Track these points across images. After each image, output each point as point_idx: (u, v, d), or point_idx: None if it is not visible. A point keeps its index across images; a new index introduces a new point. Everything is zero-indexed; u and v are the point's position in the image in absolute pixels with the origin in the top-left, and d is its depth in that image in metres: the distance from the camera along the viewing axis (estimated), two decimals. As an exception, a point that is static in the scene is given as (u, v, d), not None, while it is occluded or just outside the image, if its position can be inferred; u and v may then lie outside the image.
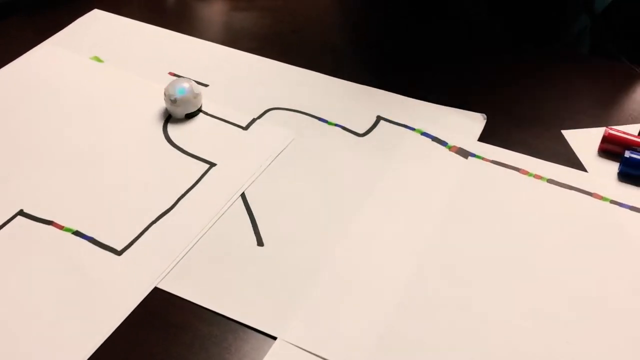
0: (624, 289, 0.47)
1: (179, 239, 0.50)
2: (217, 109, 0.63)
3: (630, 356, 0.43)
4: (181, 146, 0.59)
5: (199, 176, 0.56)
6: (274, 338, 0.44)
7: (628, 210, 0.53)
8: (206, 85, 0.66)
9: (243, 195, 0.54)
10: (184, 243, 0.50)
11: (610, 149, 0.58)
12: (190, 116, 0.61)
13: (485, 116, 0.62)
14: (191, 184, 0.55)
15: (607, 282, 0.47)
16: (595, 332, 0.44)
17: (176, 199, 0.53)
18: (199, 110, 0.62)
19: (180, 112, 0.61)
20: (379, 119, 0.62)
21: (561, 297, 0.46)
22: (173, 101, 0.60)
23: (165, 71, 0.68)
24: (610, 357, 0.42)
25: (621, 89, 0.66)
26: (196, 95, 0.61)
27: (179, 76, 0.67)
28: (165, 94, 0.61)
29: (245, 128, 0.61)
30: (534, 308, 0.45)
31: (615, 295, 0.46)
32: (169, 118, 0.62)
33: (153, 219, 0.52)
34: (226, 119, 0.62)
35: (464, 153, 0.58)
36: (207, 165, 0.57)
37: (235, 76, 0.67)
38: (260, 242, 0.50)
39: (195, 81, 0.66)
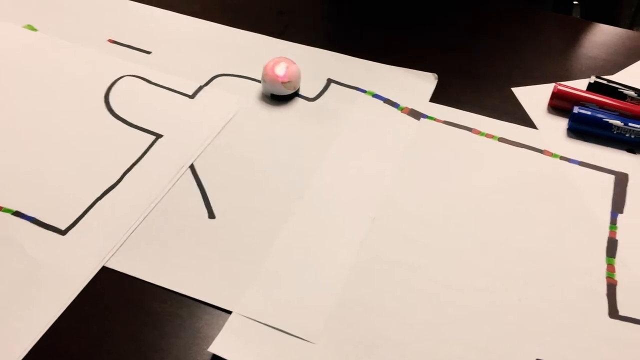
0: (575, 244, 0.47)
1: (126, 215, 0.48)
2: (161, 78, 0.60)
3: (580, 309, 0.43)
4: (125, 118, 0.56)
5: (144, 149, 0.54)
6: (229, 312, 0.43)
7: (577, 166, 0.53)
8: (148, 53, 0.63)
9: (192, 167, 0.52)
10: (131, 219, 0.48)
11: (559, 105, 0.58)
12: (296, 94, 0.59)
13: (436, 76, 0.61)
14: (137, 157, 0.53)
15: (558, 238, 0.48)
16: (547, 288, 0.45)
17: (121, 173, 0.51)
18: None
19: (291, 90, 0.58)
20: (329, 82, 0.60)
21: (513, 254, 0.47)
22: (288, 83, 0.57)
23: (104, 38, 0.65)
24: (562, 311, 0.43)
25: (570, 44, 0.66)
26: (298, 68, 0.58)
27: (119, 43, 0.64)
28: (272, 79, 0.56)
29: (192, 96, 0.59)
30: (487, 266, 0.46)
31: (566, 250, 0.47)
32: (110, 88, 0.59)
33: (98, 195, 0.50)
34: (171, 87, 0.59)
35: (416, 114, 0.57)
36: (153, 137, 0.55)
37: (179, 42, 0.65)
38: (211, 215, 0.49)
39: (137, 48, 0.64)
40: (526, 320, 0.43)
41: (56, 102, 0.57)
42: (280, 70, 0.56)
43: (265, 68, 0.57)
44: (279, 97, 0.58)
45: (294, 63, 0.57)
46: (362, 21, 0.69)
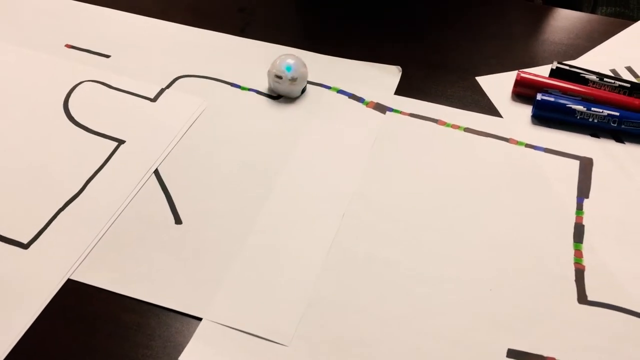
0: (542, 231, 0.48)
1: (90, 225, 0.47)
2: (121, 81, 0.59)
3: (549, 296, 0.44)
4: (85, 124, 0.55)
5: (107, 155, 0.52)
6: (200, 319, 0.42)
7: (542, 153, 0.53)
8: (107, 57, 0.62)
9: (156, 172, 0.51)
10: (95, 229, 0.47)
11: (523, 92, 0.58)
12: (303, 90, 0.58)
13: (400, 68, 0.61)
14: (99, 165, 0.52)
15: (526, 226, 0.48)
16: (517, 276, 0.45)
17: (84, 182, 0.50)
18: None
19: (298, 89, 0.57)
20: (293, 79, 0.60)
21: (483, 244, 0.47)
22: (292, 80, 0.55)
23: (62, 43, 0.63)
24: (531, 299, 0.44)
25: (533, 30, 0.67)
26: (305, 65, 0.57)
27: (77, 48, 0.62)
28: (277, 75, 0.55)
29: (154, 99, 0.58)
30: (458, 258, 0.46)
31: (534, 238, 0.47)
32: (69, 95, 0.57)
33: (60, 206, 0.49)
34: (132, 91, 0.58)
35: (382, 108, 0.57)
36: (115, 143, 0.53)
37: (138, 44, 0.63)
38: (178, 220, 0.48)
39: (95, 52, 0.62)
40: (497, 310, 0.43)
41: (13, 112, 0.56)
42: (289, 69, 0.55)
43: (271, 68, 0.56)
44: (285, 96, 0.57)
45: (300, 59, 0.56)
46: (323, 16, 0.68)
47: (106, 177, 0.51)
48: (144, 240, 0.47)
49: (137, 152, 0.53)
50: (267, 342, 0.41)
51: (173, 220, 0.48)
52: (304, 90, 0.58)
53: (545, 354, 0.41)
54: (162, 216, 0.48)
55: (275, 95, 0.58)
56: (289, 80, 0.55)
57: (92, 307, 0.43)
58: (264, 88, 0.59)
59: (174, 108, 0.57)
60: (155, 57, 0.62)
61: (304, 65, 0.56)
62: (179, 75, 0.60)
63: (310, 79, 0.60)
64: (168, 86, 0.59)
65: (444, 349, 0.41)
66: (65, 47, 0.63)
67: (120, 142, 0.54)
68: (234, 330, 0.42)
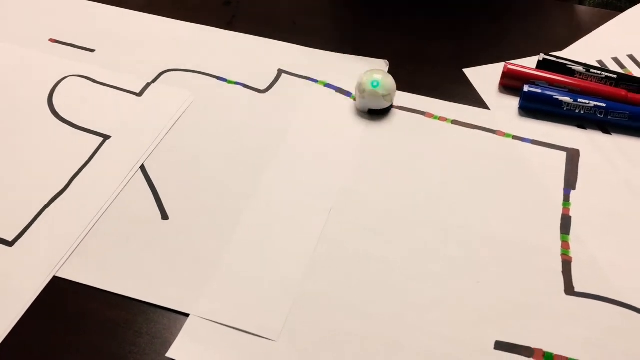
0: (529, 223, 0.48)
1: (76, 221, 0.47)
2: (106, 76, 0.58)
3: (537, 288, 0.44)
4: (70, 120, 0.54)
5: (92, 151, 0.52)
6: (187, 315, 0.42)
7: (529, 144, 0.53)
8: (92, 51, 0.61)
9: (143, 167, 0.51)
10: (81, 225, 0.47)
11: (510, 84, 0.58)
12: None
13: (387, 62, 0.60)
14: (84, 161, 0.51)
15: (513, 218, 0.48)
16: (504, 268, 0.45)
17: (69, 178, 0.50)
18: None
19: (387, 103, 0.55)
20: (280, 72, 0.59)
21: (470, 237, 0.47)
22: (386, 96, 0.54)
23: (45, 38, 0.62)
24: (519, 291, 0.44)
25: (520, 21, 0.67)
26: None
27: (61, 42, 0.62)
28: (370, 91, 0.53)
29: (139, 94, 0.57)
30: (445, 251, 0.46)
31: (522, 230, 0.47)
32: (53, 90, 0.57)
33: (45, 202, 0.48)
34: (118, 85, 0.58)
35: (369, 101, 0.57)
36: (101, 139, 0.53)
37: (123, 38, 0.63)
38: (164, 216, 0.48)
39: (80, 47, 0.61)
40: (485, 302, 0.43)
41: (-3, 108, 0.55)
42: (378, 84, 0.53)
43: (360, 84, 0.54)
44: (373, 111, 0.55)
45: (387, 74, 0.55)
46: (310, 9, 0.68)
47: (92, 173, 0.50)
48: (130, 236, 0.46)
49: (122, 147, 0.52)
50: (255, 337, 0.41)
51: (160, 216, 0.48)
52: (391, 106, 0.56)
53: (532, 346, 0.41)
54: (148, 212, 0.48)
55: (262, 89, 0.58)
56: (384, 96, 0.53)
57: (78, 304, 0.43)
58: (250, 81, 0.58)
59: (160, 102, 0.56)
60: (140, 51, 0.61)
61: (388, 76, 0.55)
62: (165, 69, 0.60)
63: (297, 72, 0.59)
64: (154, 80, 0.58)
65: (431, 343, 0.41)
66: (49, 42, 0.62)
67: (106, 137, 0.53)
68: (222, 326, 0.41)
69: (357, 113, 0.56)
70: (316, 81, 0.59)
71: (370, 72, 0.54)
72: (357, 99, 0.55)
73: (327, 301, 0.43)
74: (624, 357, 0.40)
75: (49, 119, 0.54)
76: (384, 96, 0.54)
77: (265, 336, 0.41)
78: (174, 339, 0.41)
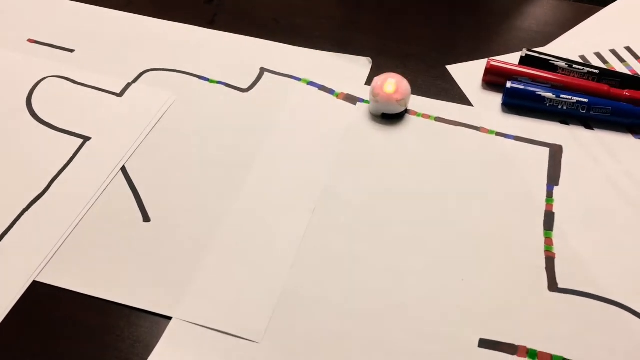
0: (513, 220, 0.48)
1: (56, 225, 0.46)
2: (86, 76, 0.58)
3: (520, 284, 0.44)
4: (49, 121, 0.54)
5: (72, 153, 0.51)
6: (169, 318, 0.42)
7: (513, 141, 0.53)
8: (72, 51, 0.60)
9: (123, 169, 0.50)
10: (61, 229, 0.46)
11: (493, 80, 0.58)
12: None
13: (370, 60, 0.60)
14: (64, 163, 0.50)
15: (496, 215, 0.48)
16: (488, 266, 0.45)
17: (49, 181, 0.49)
18: None
19: (402, 108, 0.54)
20: (262, 71, 0.59)
21: (454, 234, 0.47)
22: (400, 100, 0.53)
23: (24, 38, 0.62)
24: (503, 288, 0.44)
25: (502, 17, 0.67)
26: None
27: (40, 43, 0.61)
28: (386, 95, 0.52)
29: (120, 94, 0.56)
30: (429, 250, 0.46)
31: (505, 227, 0.47)
32: (32, 91, 0.56)
33: (24, 206, 0.47)
34: (98, 86, 0.57)
35: (352, 99, 0.56)
36: (81, 140, 0.52)
37: (103, 38, 0.62)
38: (146, 218, 0.47)
39: (59, 47, 0.61)
40: (469, 300, 0.43)
41: (-26, 110, 0.54)
42: (392, 88, 0.53)
43: (374, 88, 0.53)
44: (387, 115, 0.55)
45: (402, 77, 0.54)
46: (293, 7, 0.67)
47: (72, 175, 0.50)
48: (111, 239, 0.46)
49: (103, 148, 0.52)
50: (238, 339, 0.41)
51: (141, 218, 0.47)
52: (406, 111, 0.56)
53: (516, 343, 0.41)
54: (129, 214, 0.47)
55: (244, 88, 0.57)
56: (398, 102, 0.53)
57: (58, 309, 0.42)
58: (233, 80, 0.58)
59: (141, 103, 0.55)
60: (121, 51, 0.60)
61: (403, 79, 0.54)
62: (146, 69, 0.59)
63: (280, 70, 0.59)
64: (134, 80, 0.58)
65: (416, 341, 0.41)
66: (28, 42, 0.61)
67: (86, 138, 0.52)
68: (204, 329, 0.41)
69: (337, 111, 0.55)
70: (299, 79, 0.58)
71: (384, 76, 0.54)
72: (371, 103, 0.54)
73: (311, 301, 0.43)
74: (607, 352, 0.41)
75: (28, 120, 0.54)
76: (398, 100, 0.53)
77: (248, 338, 0.41)
78: (157, 343, 0.40)
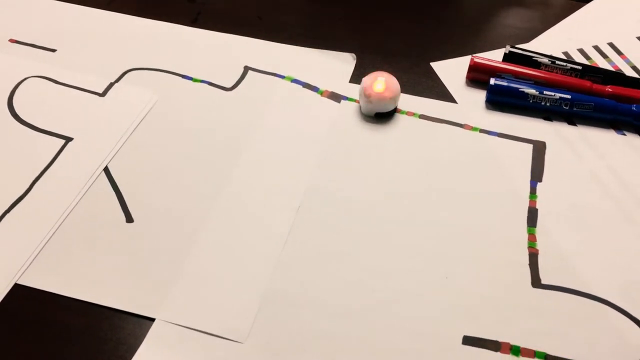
0: (496, 216, 0.48)
1: (37, 227, 0.46)
2: (68, 76, 0.57)
3: (504, 281, 0.44)
4: (31, 122, 0.53)
5: (54, 154, 0.51)
6: (153, 320, 0.41)
7: (496, 138, 0.54)
8: (53, 51, 0.60)
9: (106, 169, 0.50)
10: (43, 231, 0.46)
11: (477, 77, 0.58)
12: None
13: (354, 56, 0.60)
14: (46, 164, 0.50)
15: (480, 212, 0.48)
16: (472, 263, 0.45)
17: (30, 182, 0.49)
18: None
19: (393, 105, 0.54)
20: (246, 69, 0.59)
21: (438, 232, 0.47)
22: (391, 99, 0.53)
23: (5, 38, 0.61)
24: (486, 285, 0.44)
25: (486, 14, 0.67)
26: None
27: (21, 42, 0.60)
28: (376, 94, 0.52)
29: (102, 94, 0.56)
30: (413, 247, 0.46)
31: (489, 224, 0.47)
32: (14, 91, 0.55)
33: (6, 208, 0.47)
34: (80, 86, 0.56)
35: (336, 97, 0.56)
36: (63, 141, 0.52)
37: (85, 37, 0.61)
38: (129, 219, 0.47)
39: (40, 47, 0.60)
40: (453, 297, 0.43)
41: (-46, 111, 0.54)
42: (382, 86, 0.52)
43: (365, 88, 0.53)
44: (380, 114, 0.55)
45: (391, 75, 0.54)
46: (276, 4, 0.67)
47: (53, 176, 0.49)
48: (94, 240, 0.45)
49: (85, 149, 0.51)
50: (223, 340, 0.41)
51: (124, 219, 0.47)
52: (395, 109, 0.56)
53: (500, 339, 0.41)
54: (112, 215, 0.47)
55: (228, 87, 0.57)
56: (390, 99, 0.53)
57: (41, 312, 0.42)
58: (216, 79, 0.58)
59: (124, 102, 0.55)
60: (103, 50, 0.60)
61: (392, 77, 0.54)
62: (129, 68, 0.58)
63: (263, 68, 0.59)
64: (117, 80, 0.57)
65: (400, 339, 0.41)
66: (9, 42, 0.61)
67: (68, 139, 0.52)
68: (188, 330, 0.41)
69: (321, 109, 0.55)
70: (283, 77, 0.58)
71: (374, 75, 0.54)
72: (362, 103, 0.54)
73: (295, 301, 0.43)
74: (590, 348, 0.41)
75: (9, 121, 0.53)
76: (389, 99, 0.53)
77: (232, 338, 0.41)
78: (140, 344, 0.40)
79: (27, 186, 0.48)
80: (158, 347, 0.40)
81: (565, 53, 0.61)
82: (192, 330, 0.41)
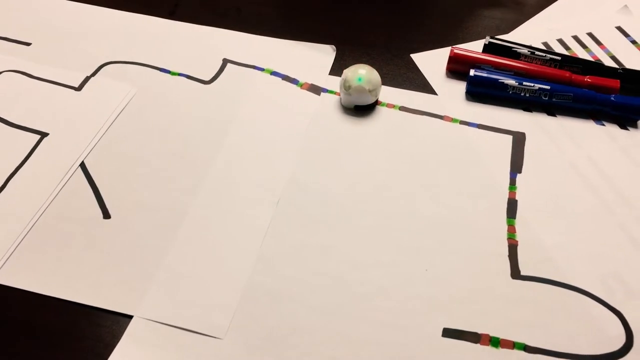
0: (476, 208, 0.48)
1: (12, 224, 0.45)
2: (43, 70, 0.56)
3: (483, 273, 0.44)
4: (5, 117, 0.52)
5: (29, 150, 0.50)
6: (131, 317, 0.41)
7: (476, 129, 0.54)
8: (28, 44, 0.59)
9: (82, 165, 0.49)
10: (18, 228, 0.45)
11: (457, 68, 0.58)
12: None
13: (334, 48, 0.60)
14: (21, 160, 0.49)
15: (460, 204, 0.48)
16: (451, 255, 0.45)
17: (4, 179, 0.48)
18: None
19: (373, 98, 0.53)
20: (225, 62, 0.58)
21: (418, 224, 0.47)
22: (372, 91, 0.52)
23: (-23, 32, 0.60)
24: (466, 277, 0.44)
25: (466, 5, 0.66)
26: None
27: (-6, 36, 0.59)
28: (357, 86, 0.52)
29: (78, 88, 0.55)
30: (393, 240, 0.46)
31: (469, 215, 0.47)
32: (-14, 87, 0.54)
33: (-20, 205, 0.46)
34: (55, 80, 0.56)
35: (316, 89, 0.56)
36: (38, 136, 0.51)
37: (61, 30, 0.60)
38: (106, 215, 0.46)
39: (15, 40, 0.59)
40: (433, 290, 0.43)
41: None
42: (363, 79, 0.52)
43: (345, 80, 0.52)
44: (359, 107, 0.54)
45: (371, 68, 0.53)
46: (256, -5, 0.66)
47: (28, 172, 0.48)
48: (70, 237, 0.45)
49: (61, 144, 0.50)
50: (202, 336, 0.40)
51: (101, 215, 0.46)
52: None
53: (479, 331, 0.41)
54: (89, 211, 0.46)
55: (207, 80, 0.56)
56: (369, 91, 0.52)
57: (15, 311, 0.41)
58: (194, 72, 0.57)
59: (100, 97, 0.54)
60: (79, 44, 0.59)
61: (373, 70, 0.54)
62: (105, 61, 0.58)
63: (242, 61, 0.58)
64: (93, 74, 0.56)
65: (380, 332, 0.41)
66: (-18, 36, 0.59)
67: (43, 134, 0.51)
68: (167, 326, 0.41)
69: (301, 101, 0.55)
70: (262, 69, 0.57)
71: (354, 67, 0.53)
72: (342, 95, 0.54)
73: (275, 296, 0.42)
74: (569, 338, 0.41)
75: (-17, 117, 0.52)
76: (370, 91, 0.52)
77: (211, 334, 0.40)
78: (118, 342, 0.40)
79: (2, 182, 0.48)
80: (136, 344, 0.40)
81: (545, 43, 0.61)
82: (170, 327, 0.41)
